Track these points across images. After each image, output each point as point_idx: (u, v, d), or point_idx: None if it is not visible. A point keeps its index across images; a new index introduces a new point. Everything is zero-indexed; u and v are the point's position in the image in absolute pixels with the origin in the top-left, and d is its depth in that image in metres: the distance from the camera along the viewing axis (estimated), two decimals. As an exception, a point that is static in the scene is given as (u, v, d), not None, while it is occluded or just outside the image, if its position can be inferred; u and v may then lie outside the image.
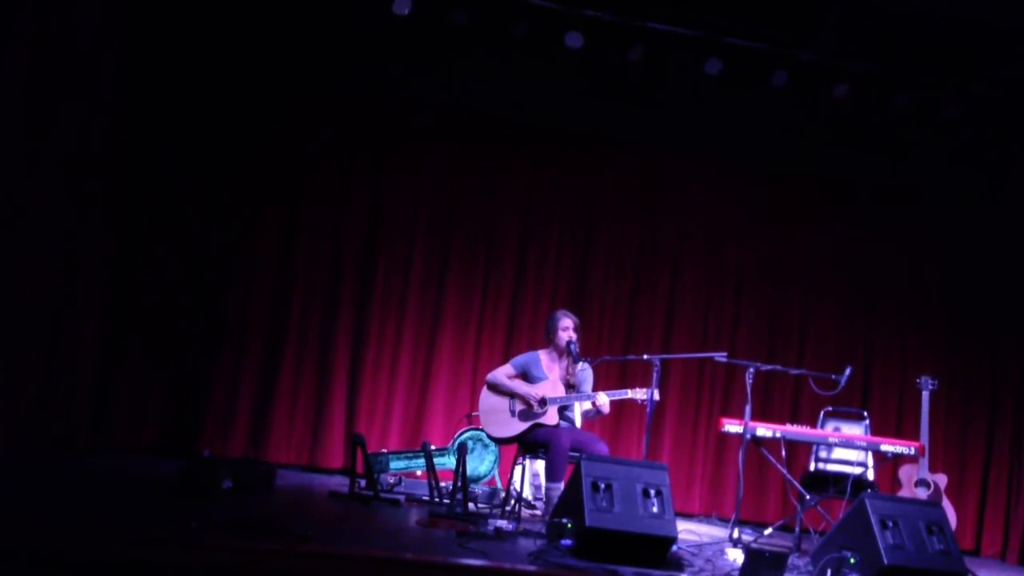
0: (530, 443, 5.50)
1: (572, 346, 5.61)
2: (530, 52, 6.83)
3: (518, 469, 5.68)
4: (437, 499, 5.74)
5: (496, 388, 5.60)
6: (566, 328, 5.66)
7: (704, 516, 7.09)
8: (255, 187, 6.92)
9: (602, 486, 4.54)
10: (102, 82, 5.87)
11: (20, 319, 5.20)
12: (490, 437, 5.72)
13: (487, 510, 5.76)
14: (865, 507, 4.71)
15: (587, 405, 5.58)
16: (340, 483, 6.22)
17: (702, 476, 7.31)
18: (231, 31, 6.70)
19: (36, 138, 5.14)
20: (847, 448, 6.10)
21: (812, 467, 6.35)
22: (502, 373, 5.65)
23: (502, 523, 5.05)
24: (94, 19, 5.60)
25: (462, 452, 5.55)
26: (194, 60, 6.75)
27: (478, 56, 6.95)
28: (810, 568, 4.90)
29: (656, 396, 5.37)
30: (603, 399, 5.44)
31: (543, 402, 5.50)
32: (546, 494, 5.38)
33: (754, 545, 5.32)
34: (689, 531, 5.84)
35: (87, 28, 5.54)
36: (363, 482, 5.83)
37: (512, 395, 5.55)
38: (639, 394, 5.42)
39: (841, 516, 5.06)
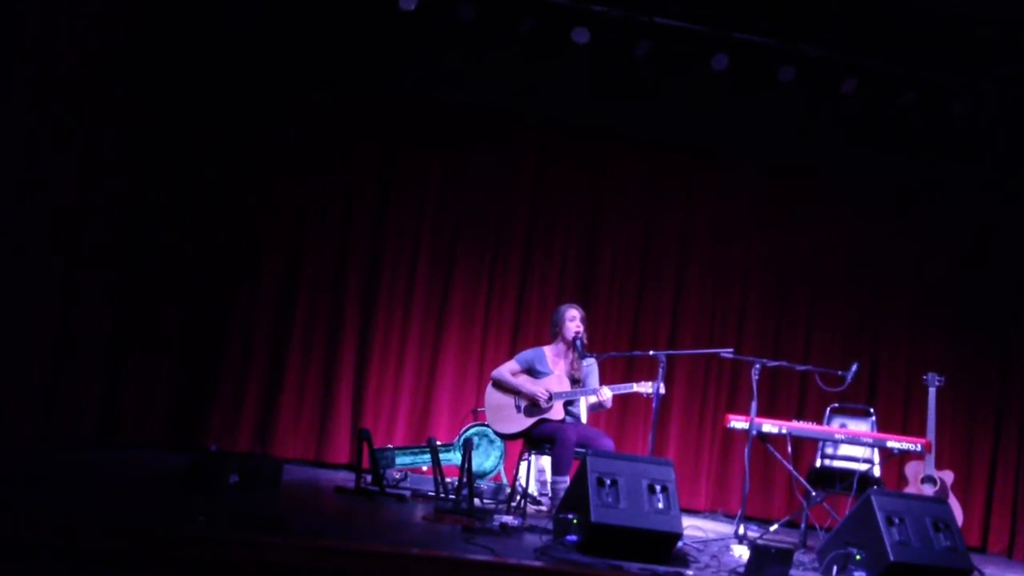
0: (536, 438, 5.50)
1: (579, 341, 5.61)
2: (536, 47, 6.82)
3: (524, 465, 5.69)
4: (443, 495, 5.75)
5: (501, 385, 5.60)
6: (573, 318, 5.66)
7: (710, 512, 7.08)
8: (262, 183, 6.92)
9: (608, 482, 4.55)
10: (110, 79, 5.88)
11: (28, 315, 5.22)
12: (496, 433, 5.73)
13: (493, 506, 5.77)
14: (871, 504, 4.71)
15: (592, 399, 5.58)
16: (346, 478, 6.24)
17: (708, 472, 7.30)
18: (233, 28, 6.70)
19: (43, 136, 5.15)
20: (853, 444, 6.09)
21: (818, 463, 6.35)
22: (506, 370, 5.65)
23: (508, 519, 5.06)
24: (94, 34, 5.61)
25: (468, 448, 5.55)
26: (198, 57, 6.76)
27: (484, 51, 6.94)
28: (816, 564, 4.90)
29: (661, 389, 5.37)
30: (606, 393, 5.44)
31: (549, 397, 5.50)
32: (552, 488, 5.39)
33: (760, 541, 5.32)
34: (695, 527, 5.83)
35: (88, 39, 5.55)
36: (369, 477, 5.84)
37: (517, 393, 5.55)
38: (644, 387, 5.42)
39: (847, 513, 5.06)
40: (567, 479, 5.20)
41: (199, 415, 6.70)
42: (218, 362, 6.76)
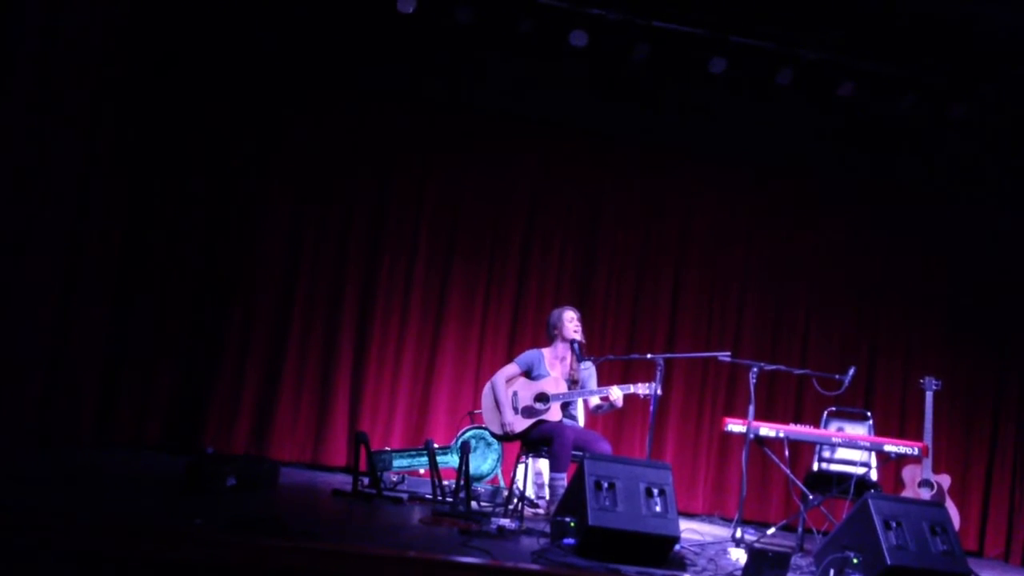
0: (533, 440, 5.50)
1: (576, 345, 5.61)
2: (535, 51, 6.83)
3: (521, 468, 5.69)
4: (440, 497, 5.74)
5: (495, 394, 5.59)
6: (572, 320, 5.66)
7: (707, 516, 7.08)
8: (261, 184, 6.93)
9: (605, 485, 4.55)
10: (108, 81, 5.88)
11: (25, 315, 5.21)
12: (493, 435, 5.72)
13: (490, 508, 5.77)
14: (868, 507, 4.71)
15: (595, 400, 5.58)
16: (343, 481, 6.23)
17: (705, 476, 7.31)
18: (233, 30, 6.71)
19: (44, 141, 5.15)
20: (850, 448, 6.09)
21: (815, 467, 6.35)
22: (504, 376, 5.63)
23: (505, 522, 5.05)
24: (93, 39, 5.61)
25: (465, 450, 5.55)
26: (198, 58, 6.77)
27: (482, 54, 6.95)
28: (813, 568, 4.90)
29: (659, 391, 5.37)
30: (616, 393, 5.42)
31: (545, 398, 5.50)
32: (551, 486, 5.38)
33: (757, 545, 5.32)
34: (692, 531, 5.83)
35: (87, 44, 5.55)
36: (366, 480, 5.83)
37: (499, 409, 5.53)
38: (641, 389, 5.42)
39: (844, 516, 5.06)
40: (564, 477, 5.20)
41: (195, 417, 6.69)
42: (215, 364, 6.75)
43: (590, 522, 4.41)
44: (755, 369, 5.72)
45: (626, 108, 7.18)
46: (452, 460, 6.30)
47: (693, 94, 7.10)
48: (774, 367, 6.01)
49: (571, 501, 4.67)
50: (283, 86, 6.98)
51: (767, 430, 5.76)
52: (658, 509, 4.56)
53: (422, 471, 6.39)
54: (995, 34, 6.43)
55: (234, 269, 6.85)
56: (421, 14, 6.51)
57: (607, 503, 4.50)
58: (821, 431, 6.17)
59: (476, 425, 6.47)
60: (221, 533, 3.86)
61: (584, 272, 7.35)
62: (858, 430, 6.41)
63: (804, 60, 6.75)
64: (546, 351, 5.75)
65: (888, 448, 5.88)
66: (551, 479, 5.36)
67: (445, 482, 5.88)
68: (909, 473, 6.43)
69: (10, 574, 3.39)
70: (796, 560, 5.07)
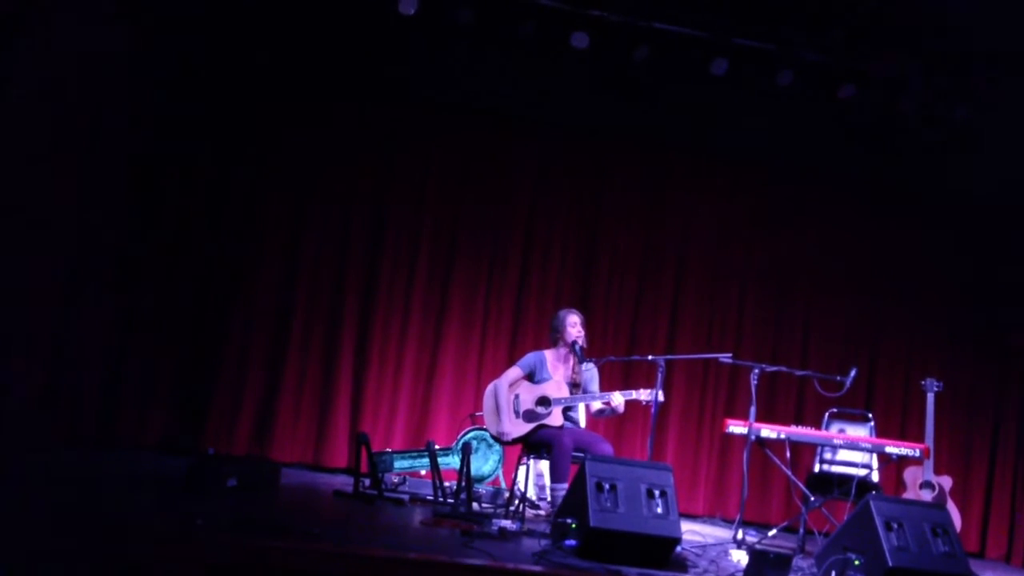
0: (534, 444, 5.50)
1: (577, 346, 5.61)
2: (536, 52, 6.83)
3: (522, 469, 5.68)
4: (441, 499, 5.74)
5: (497, 398, 5.59)
6: (574, 324, 5.66)
7: (708, 517, 7.09)
8: (262, 185, 6.93)
9: (606, 486, 4.55)
10: (110, 81, 5.89)
11: (27, 317, 5.21)
12: (493, 437, 5.72)
13: (491, 510, 5.77)
14: (870, 509, 4.71)
15: (597, 405, 5.57)
16: (344, 482, 6.23)
17: (706, 477, 7.30)
18: (234, 31, 6.71)
19: (45, 138, 5.15)
20: (852, 450, 6.09)
21: (816, 468, 6.34)
22: (507, 380, 5.63)
23: (506, 523, 5.05)
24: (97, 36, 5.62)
25: (466, 452, 5.55)
26: (201, 60, 6.76)
27: (484, 56, 6.95)
28: (814, 570, 4.90)
29: (660, 397, 5.37)
30: (618, 399, 5.42)
31: (547, 401, 5.50)
32: (551, 495, 5.38)
33: (758, 546, 5.31)
34: (693, 532, 5.83)
35: (90, 41, 5.56)
36: (367, 481, 5.83)
37: (499, 412, 5.53)
38: (643, 395, 5.42)
39: (846, 518, 5.06)
40: (565, 486, 5.19)
41: (197, 418, 6.69)
42: (216, 365, 6.75)
43: (591, 523, 4.41)
44: (756, 370, 5.72)
45: (627, 110, 7.18)
46: (453, 461, 6.30)
47: (694, 95, 7.09)
48: (775, 368, 6.01)
49: (572, 502, 4.67)
50: (284, 87, 6.98)
51: (768, 431, 5.76)
52: (659, 510, 4.56)
53: (423, 472, 6.39)
54: (994, 36, 6.43)
55: (235, 271, 6.85)
56: (422, 16, 6.51)
57: (608, 504, 4.50)
58: (822, 432, 6.17)
59: (477, 426, 6.47)
60: (222, 534, 3.86)
61: (585, 272, 7.35)
62: (859, 431, 6.41)
63: (805, 61, 6.74)
64: (548, 353, 5.75)
65: (889, 449, 5.88)
66: (552, 488, 5.36)
67: (446, 483, 5.88)
68: (910, 474, 6.43)
69: (11, 574, 3.40)
70: (797, 561, 5.07)
